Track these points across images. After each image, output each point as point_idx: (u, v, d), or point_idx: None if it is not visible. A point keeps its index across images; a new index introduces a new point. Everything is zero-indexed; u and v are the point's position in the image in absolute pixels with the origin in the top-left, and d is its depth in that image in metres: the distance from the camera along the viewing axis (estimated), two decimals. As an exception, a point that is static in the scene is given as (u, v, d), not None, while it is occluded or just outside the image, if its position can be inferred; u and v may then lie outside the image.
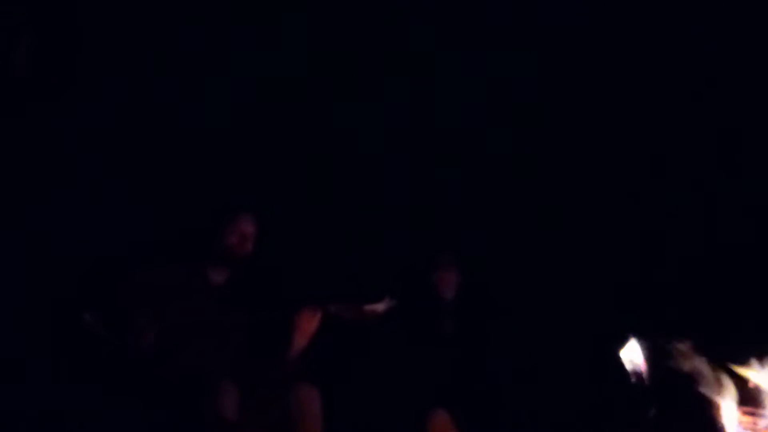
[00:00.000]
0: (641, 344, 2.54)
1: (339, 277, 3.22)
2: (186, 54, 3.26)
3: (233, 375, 2.65)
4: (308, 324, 2.80)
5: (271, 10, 3.31)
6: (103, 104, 3.19)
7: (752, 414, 2.44)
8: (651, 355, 2.45)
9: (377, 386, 3.03)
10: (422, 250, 3.36)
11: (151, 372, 2.60)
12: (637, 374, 2.50)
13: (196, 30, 3.28)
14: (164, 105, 3.25)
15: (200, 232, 2.95)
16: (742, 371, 2.50)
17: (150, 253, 2.94)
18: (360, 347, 3.08)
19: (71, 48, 3.15)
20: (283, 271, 3.17)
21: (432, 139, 3.52)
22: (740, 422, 2.43)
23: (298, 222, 3.36)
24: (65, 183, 3.12)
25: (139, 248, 2.98)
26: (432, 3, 3.41)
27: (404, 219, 3.47)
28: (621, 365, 2.56)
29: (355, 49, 3.40)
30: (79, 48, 3.17)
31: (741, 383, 2.51)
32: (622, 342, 2.61)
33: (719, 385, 2.43)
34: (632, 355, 2.54)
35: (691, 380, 2.36)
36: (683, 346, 2.40)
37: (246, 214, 2.99)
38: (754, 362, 2.43)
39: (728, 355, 2.48)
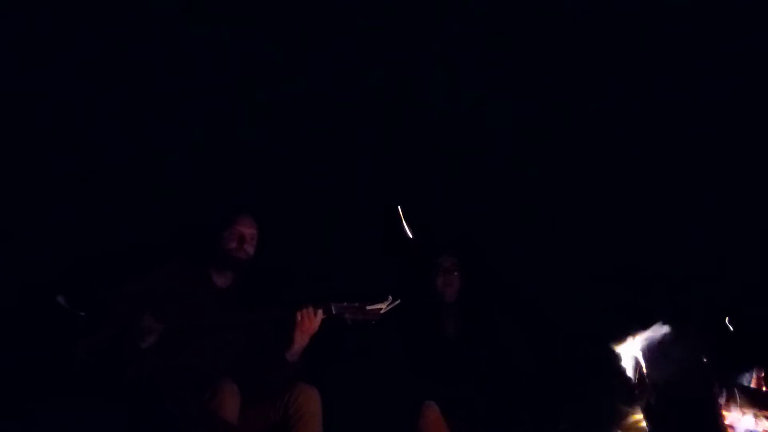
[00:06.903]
0: (641, 342, 2.52)
1: (341, 280, 3.22)
2: (185, 53, 3.27)
3: (233, 375, 2.62)
4: (309, 322, 2.72)
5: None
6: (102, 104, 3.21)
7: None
8: (651, 353, 2.43)
9: (377, 387, 3.02)
10: (424, 253, 3.36)
11: (152, 371, 2.58)
12: (638, 371, 2.49)
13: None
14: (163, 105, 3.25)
15: (203, 234, 2.88)
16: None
17: (154, 253, 2.89)
18: (361, 348, 3.06)
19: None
20: (285, 273, 3.16)
21: (432, 140, 3.53)
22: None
23: (300, 223, 3.37)
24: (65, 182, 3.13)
25: (144, 248, 2.98)
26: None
27: (406, 221, 3.48)
28: (621, 364, 2.55)
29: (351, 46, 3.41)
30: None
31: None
32: (621, 340, 2.60)
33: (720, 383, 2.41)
34: (632, 352, 2.53)
35: (692, 377, 2.34)
36: (683, 344, 2.39)
37: (245, 216, 2.88)
38: None
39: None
